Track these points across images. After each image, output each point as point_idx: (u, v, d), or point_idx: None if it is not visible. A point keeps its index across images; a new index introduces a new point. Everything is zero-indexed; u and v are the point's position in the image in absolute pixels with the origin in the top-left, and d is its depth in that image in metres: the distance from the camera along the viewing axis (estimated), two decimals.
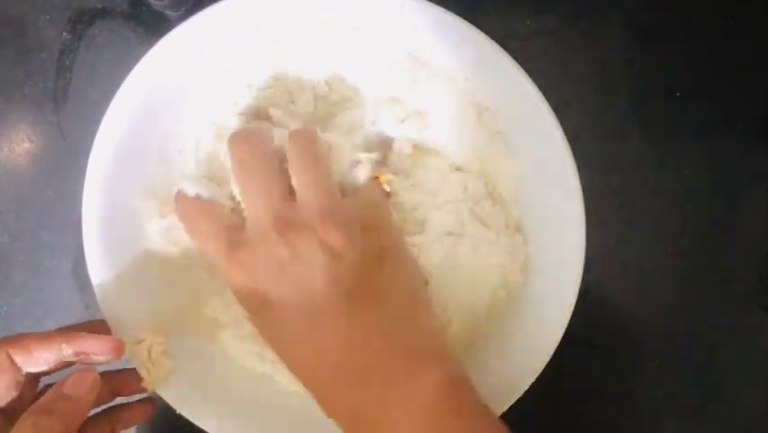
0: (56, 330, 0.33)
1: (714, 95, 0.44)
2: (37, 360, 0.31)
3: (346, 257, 0.30)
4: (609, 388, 0.44)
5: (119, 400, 0.36)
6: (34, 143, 0.46)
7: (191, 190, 0.34)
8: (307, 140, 0.32)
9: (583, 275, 0.34)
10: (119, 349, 0.33)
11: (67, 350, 0.32)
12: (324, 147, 0.33)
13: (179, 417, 0.35)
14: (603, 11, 0.44)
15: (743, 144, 0.44)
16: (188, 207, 0.33)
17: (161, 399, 0.35)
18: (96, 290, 0.34)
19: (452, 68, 0.35)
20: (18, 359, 0.31)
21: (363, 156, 0.34)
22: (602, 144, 0.44)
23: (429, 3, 0.33)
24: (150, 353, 0.34)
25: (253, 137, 0.33)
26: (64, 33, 0.45)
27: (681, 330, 0.44)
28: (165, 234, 0.37)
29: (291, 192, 0.32)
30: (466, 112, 0.36)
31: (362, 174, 0.34)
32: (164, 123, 0.36)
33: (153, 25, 0.44)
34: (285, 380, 0.37)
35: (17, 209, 0.46)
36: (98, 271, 0.34)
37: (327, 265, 0.30)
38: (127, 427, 0.36)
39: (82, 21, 0.45)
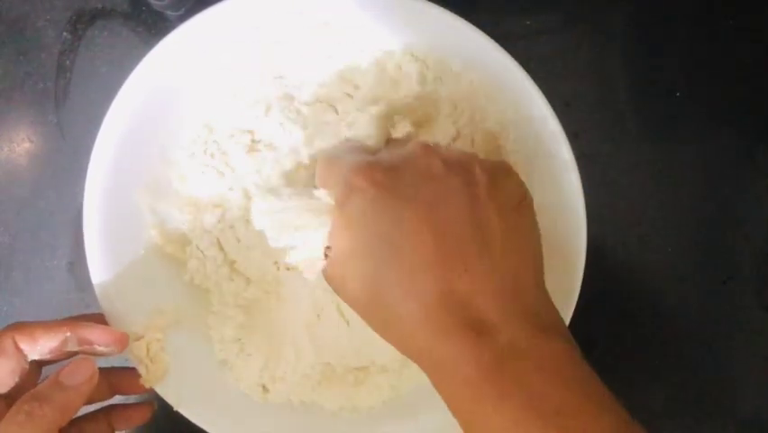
0: (62, 319, 0.33)
1: (714, 95, 0.44)
2: (42, 348, 0.31)
3: (494, 194, 0.27)
4: (609, 387, 0.44)
5: (119, 399, 0.36)
6: (34, 143, 0.46)
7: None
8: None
9: (583, 274, 0.34)
10: (123, 341, 0.33)
11: (72, 339, 0.32)
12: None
13: (178, 416, 0.35)
14: (603, 11, 0.44)
15: (743, 144, 0.44)
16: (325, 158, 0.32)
17: (160, 397, 0.35)
18: (97, 289, 0.34)
19: (452, 67, 0.35)
20: (24, 346, 0.31)
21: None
22: (602, 144, 0.44)
23: (429, 2, 0.33)
24: (148, 349, 0.34)
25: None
26: (64, 33, 0.45)
27: (682, 330, 0.44)
28: (165, 233, 0.37)
29: None
30: (462, 110, 0.36)
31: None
32: (165, 123, 0.36)
33: (153, 25, 0.44)
34: (282, 388, 0.37)
35: (17, 209, 0.46)
36: (98, 270, 0.35)
37: (473, 195, 0.27)
38: (126, 427, 0.36)
39: (82, 21, 0.45)
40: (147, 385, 0.34)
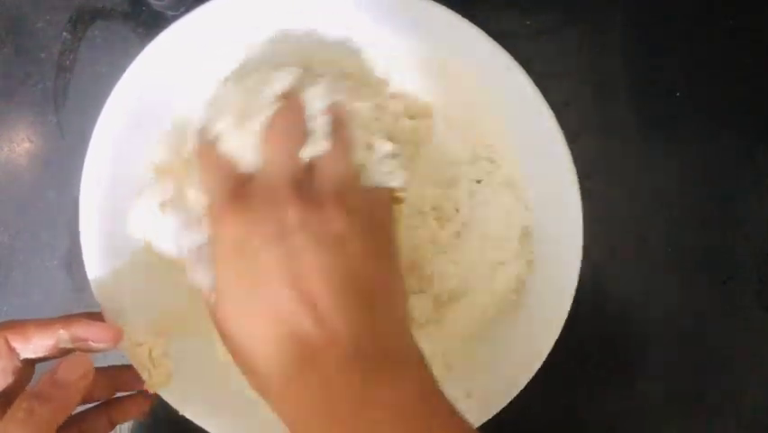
0: (55, 317, 0.33)
1: (714, 95, 0.44)
2: (35, 346, 0.31)
3: (348, 247, 0.28)
4: (609, 388, 0.44)
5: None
6: (34, 143, 0.46)
7: (213, 133, 0.31)
8: (339, 111, 0.31)
9: (582, 274, 0.34)
10: (117, 336, 0.33)
11: (64, 336, 0.32)
12: (351, 118, 0.32)
13: (179, 416, 0.35)
14: (603, 11, 0.44)
15: (743, 144, 0.44)
16: (203, 147, 0.31)
17: (161, 399, 0.35)
18: (95, 292, 0.34)
19: (450, 66, 0.35)
20: (16, 345, 0.31)
21: (381, 145, 0.32)
22: (602, 144, 0.44)
23: (429, 1, 0.33)
24: (150, 355, 0.34)
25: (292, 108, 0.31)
26: (64, 33, 0.45)
27: (681, 330, 0.44)
28: (164, 233, 0.37)
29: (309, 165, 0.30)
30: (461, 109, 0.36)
31: (384, 169, 0.32)
32: (160, 122, 0.36)
33: (153, 25, 0.44)
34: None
35: (17, 209, 0.46)
36: (96, 272, 0.34)
37: (331, 250, 0.28)
38: (125, 420, 0.36)
39: (82, 21, 0.45)
40: (151, 390, 0.34)
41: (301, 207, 0.28)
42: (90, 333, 0.32)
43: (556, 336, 0.34)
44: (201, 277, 0.30)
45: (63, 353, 0.33)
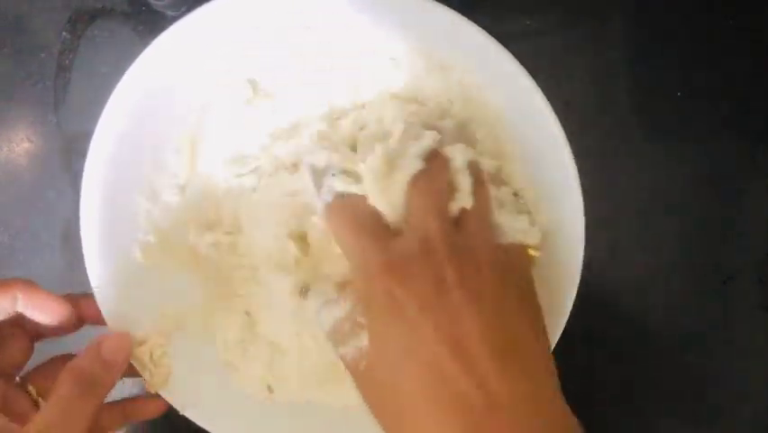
0: (14, 279, 0.33)
1: (714, 95, 0.44)
2: None
3: (506, 307, 0.28)
4: (609, 388, 0.44)
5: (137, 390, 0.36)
6: (34, 143, 0.46)
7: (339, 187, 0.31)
8: (476, 167, 0.31)
9: (582, 275, 0.34)
10: (67, 314, 0.33)
11: (20, 300, 0.32)
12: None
13: (179, 416, 0.35)
14: (603, 11, 0.44)
15: (743, 144, 0.44)
16: (336, 206, 0.31)
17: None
18: (96, 293, 0.34)
19: (452, 66, 0.35)
20: None
21: (513, 203, 0.33)
22: (602, 144, 0.44)
23: (430, 1, 0.33)
24: (151, 355, 0.34)
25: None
26: (64, 33, 0.45)
27: (682, 330, 0.44)
28: (163, 236, 0.37)
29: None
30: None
31: (518, 226, 0.32)
32: (161, 123, 0.36)
33: (153, 25, 0.44)
34: (288, 387, 0.37)
35: (17, 209, 0.46)
36: (97, 273, 0.34)
37: (487, 307, 0.27)
38: (140, 419, 0.36)
39: (82, 21, 0.45)
40: (152, 390, 0.34)
41: (458, 264, 0.27)
42: (44, 305, 0.33)
43: (557, 337, 0.34)
44: (343, 350, 0.30)
45: (63, 330, 0.34)
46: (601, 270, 0.44)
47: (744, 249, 0.44)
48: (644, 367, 0.44)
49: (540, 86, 0.33)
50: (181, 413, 0.35)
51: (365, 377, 0.29)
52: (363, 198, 0.30)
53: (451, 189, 0.30)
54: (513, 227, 0.31)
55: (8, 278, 0.33)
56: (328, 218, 0.31)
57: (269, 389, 0.37)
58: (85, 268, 0.34)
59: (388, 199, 0.30)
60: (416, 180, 0.30)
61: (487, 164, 0.33)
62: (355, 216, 0.30)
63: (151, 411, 0.36)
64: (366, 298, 0.29)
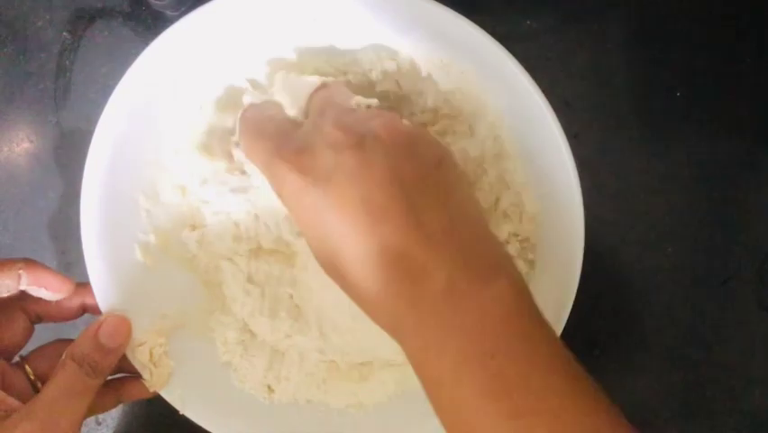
0: (17, 258, 0.34)
1: (714, 95, 0.44)
2: None
3: (410, 155, 0.28)
4: (609, 388, 0.44)
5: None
6: (34, 143, 0.46)
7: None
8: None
9: (583, 274, 0.34)
10: (68, 290, 0.34)
11: (24, 277, 0.33)
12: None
13: (179, 416, 0.35)
14: (603, 11, 0.44)
15: (743, 144, 0.44)
16: (249, 112, 0.32)
17: (164, 400, 0.35)
18: (96, 292, 0.34)
19: (452, 66, 0.35)
20: None
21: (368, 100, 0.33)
22: (602, 144, 0.44)
23: (430, 1, 0.33)
24: (152, 354, 0.34)
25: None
26: (64, 33, 0.45)
27: (682, 330, 0.44)
28: (163, 236, 0.37)
29: None
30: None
31: None
32: (161, 123, 0.36)
33: (153, 25, 0.44)
34: (288, 387, 0.37)
35: (17, 209, 0.46)
36: (98, 272, 0.34)
37: (389, 156, 0.27)
38: (132, 399, 0.36)
39: (82, 21, 0.45)
40: (151, 390, 0.34)
41: (353, 131, 0.28)
42: (47, 281, 0.33)
43: (557, 337, 0.34)
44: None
45: (62, 315, 0.35)
46: (601, 269, 0.44)
47: (744, 249, 0.44)
48: (644, 366, 0.44)
49: (540, 86, 0.33)
50: (181, 413, 0.35)
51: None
52: (271, 104, 0.32)
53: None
54: None
55: (9, 258, 0.33)
56: (240, 128, 0.32)
57: (269, 389, 0.37)
58: (85, 268, 0.34)
59: (291, 97, 0.31)
60: (318, 89, 0.31)
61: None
62: (261, 115, 0.31)
63: (143, 392, 0.36)
64: (275, 183, 0.29)
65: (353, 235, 0.27)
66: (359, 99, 0.31)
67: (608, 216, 0.44)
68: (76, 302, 0.35)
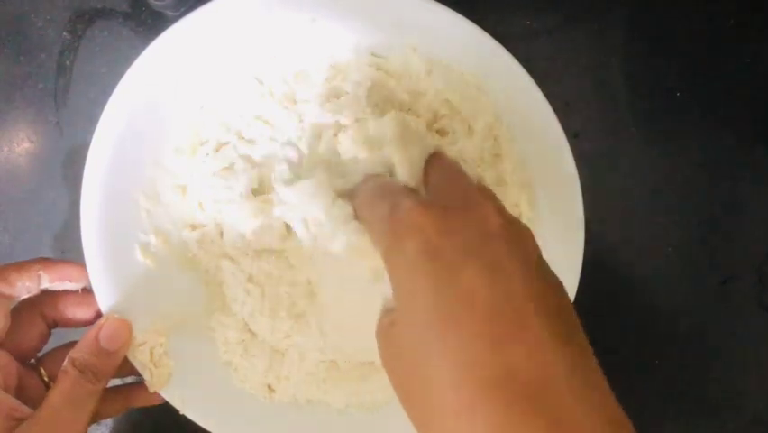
0: (32, 260, 0.34)
1: (714, 95, 0.44)
2: (19, 289, 0.33)
3: (546, 268, 0.25)
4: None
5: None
6: (34, 143, 0.46)
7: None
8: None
9: (582, 274, 0.34)
10: (88, 279, 0.34)
11: (44, 276, 0.33)
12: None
13: (179, 416, 0.35)
14: (603, 11, 0.44)
15: (743, 144, 0.44)
16: (367, 186, 0.30)
17: (164, 400, 0.35)
18: (96, 292, 0.34)
19: (451, 67, 0.35)
20: (2, 290, 0.32)
21: None
22: (602, 144, 0.44)
23: (430, 1, 0.33)
24: (152, 354, 0.34)
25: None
26: (64, 33, 0.45)
27: (682, 330, 0.44)
28: (163, 236, 0.37)
29: None
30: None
31: None
32: (161, 123, 0.36)
33: (153, 25, 0.44)
34: (288, 387, 0.37)
35: (17, 209, 0.46)
36: (98, 272, 0.34)
37: (527, 261, 0.24)
38: (140, 405, 0.36)
39: (82, 21, 0.45)
40: (151, 390, 0.34)
41: (499, 209, 0.25)
42: (67, 273, 0.34)
43: None
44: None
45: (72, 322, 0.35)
46: (600, 269, 0.44)
47: (744, 249, 0.44)
48: (644, 366, 0.44)
49: (540, 86, 0.33)
50: (181, 413, 0.35)
51: (392, 336, 0.25)
52: (388, 179, 0.30)
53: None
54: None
55: (26, 260, 0.33)
56: (357, 196, 0.30)
57: (270, 388, 0.37)
58: (85, 268, 0.34)
59: (411, 168, 0.30)
60: (433, 156, 0.30)
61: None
62: (382, 185, 0.29)
63: (152, 398, 0.36)
64: (394, 250, 0.25)
65: (474, 340, 0.22)
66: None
67: (608, 216, 0.44)
68: (92, 310, 0.35)
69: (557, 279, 0.25)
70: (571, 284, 0.34)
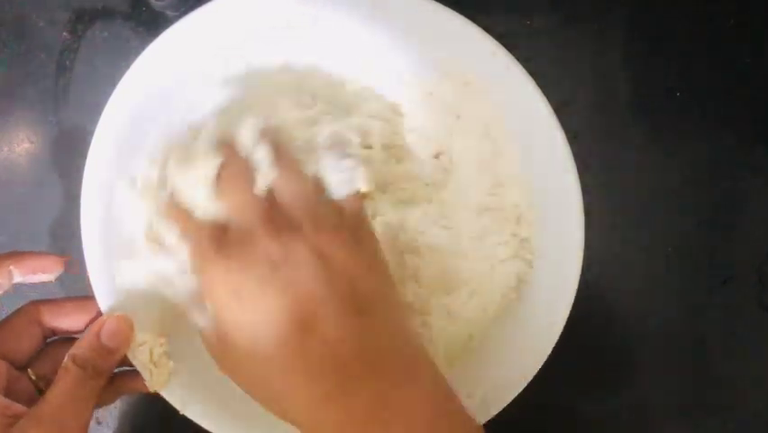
0: (2, 254, 0.34)
1: (714, 95, 0.44)
2: None
3: (337, 262, 0.29)
4: (609, 388, 0.44)
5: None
6: (34, 143, 0.46)
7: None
8: (271, 135, 0.31)
9: (582, 275, 0.34)
10: (59, 268, 0.35)
11: (16, 271, 0.33)
12: (287, 137, 0.32)
13: (179, 416, 0.35)
14: (603, 11, 0.44)
15: (743, 144, 0.44)
16: (171, 209, 0.32)
17: (165, 400, 0.35)
18: (96, 292, 0.34)
19: (452, 66, 0.35)
20: None
21: (328, 153, 0.32)
22: (602, 144, 0.44)
23: (430, 1, 0.33)
24: (152, 354, 0.34)
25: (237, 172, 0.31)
26: (64, 33, 0.45)
27: (681, 330, 0.44)
28: (165, 234, 0.37)
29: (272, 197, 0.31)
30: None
31: (344, 188, 0.32)
32: (161, 123, 0.36)
33: (154, 25, 0.44)
34: None
35: (17, 209, 0.46)
36: (98, 272, 0.34)
37: (320, 268, 0.29)
38: (131, 392, 0.36)
39: (82, 21, 0.45)
40: (151, 390, 0.34)
41: (279, 239, 0.29)
42: (40, 265, 0.34)
43: (557, 337, 0.34)
44: (202, 321, 0.31)
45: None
46: (600, 269, 0.44)
47: (744, 249, 0.44)
48: (644, 367, 0.44)
49: (540, 86, 0.33)
50: (181, 413, 0.35)
51: (223, 359, 0.31)
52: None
53: (252, 167, 0.30)
54: (337, 179, 0.31)
55: None
56: (166, 215, 0.32)
57: None
58: (85, 268, 0.34)
59: (194, 196, 0.30)
60: (219, 179, 0.31)
61: (286, 118, 0.33)
62: (179, 214, 0.31)
63: (142, 385, 0.36)
64: (205, 290, 0.30)
65: (283, 353, 0.28)
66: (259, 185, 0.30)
67: (607, 215, 0.44)
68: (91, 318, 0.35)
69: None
70: (570, 285, 0.34)
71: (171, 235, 0.32)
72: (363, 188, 0.31)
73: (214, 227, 0.30)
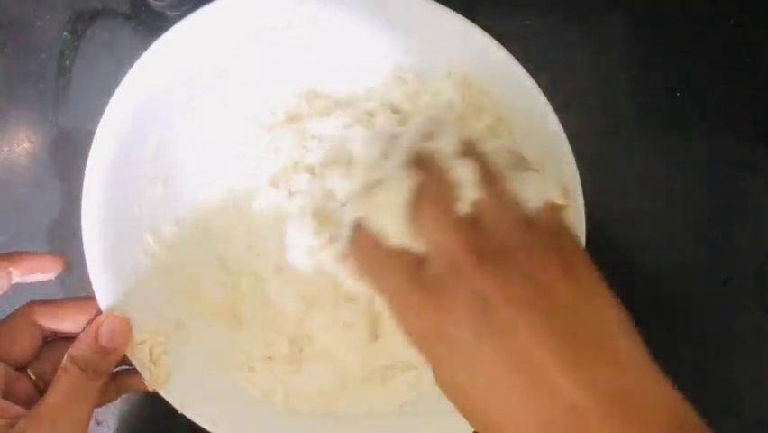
0: (1, 255, 0.34)
1: (714, 95, 0.44)
2: None
3: (558, 295, 0.25)
4: None
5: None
6: (34, 143, 0.46)
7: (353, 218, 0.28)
8: (470, 148, 0.27)
9: None
10: (58, 267, 0.34)
11: (15, 272, 0.33)
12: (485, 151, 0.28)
13: (179, 416, 0.35)
14: (603, 11, 0.44)
15: (743, 144, 0.44)
16: (362, 243, 0.28)
17: (164, 400, 0.35)
18: (97, 292, 0.34)
19: (452, 66, 0.35)
20: None
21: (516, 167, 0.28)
22: (602, 144, 0.44)
23: (430, 2, 0.33)
24: (151, 353, 0.34)
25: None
26: (64, 33, 0.45)
27: (681, 330, 0.44)
28: (164, 233, 0.37)
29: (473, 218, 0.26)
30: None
31: (534, 187, 0.27)
32: (162, 123, 0.36)
33: (153, 25, 0.44)
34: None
35: (17, 209, 0.46)
36: (98, 271, 0.34)
37: (539, 307, 0.24)
38: (131, 391, 0.36)
39: (82, 21, 0.45)
40: (151, 389, 0.34)
41: (492, 274, 0.24)
42: (38, 265, 0.34)
43: None
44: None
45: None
46: (601, 269, 0.44)
47: (744, 249, 0.44)
48: None
49: (540, 86, 0.34)
50: (181, 413, 0.35)
51: (449, 387, 0.27)
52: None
53: (452, 185, 0.26)
54: (529, 190, 0.26)
55: None
56: (358, 258, 0.29)
57: (270, 389, 0.37)
58: (85, 268, 0.34)
59: (393, 228, 0.26)
60: (415, 200, 0.26)
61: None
62: (376, 255, 0.27)
63: (142, 384, 0.36)
64: (410, 335, 0.27)
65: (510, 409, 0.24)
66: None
67: (608, 215, 0.44)
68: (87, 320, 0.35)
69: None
70: None
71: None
72: (556, 193, 0.27)
73: (410, 265, 0.26)
